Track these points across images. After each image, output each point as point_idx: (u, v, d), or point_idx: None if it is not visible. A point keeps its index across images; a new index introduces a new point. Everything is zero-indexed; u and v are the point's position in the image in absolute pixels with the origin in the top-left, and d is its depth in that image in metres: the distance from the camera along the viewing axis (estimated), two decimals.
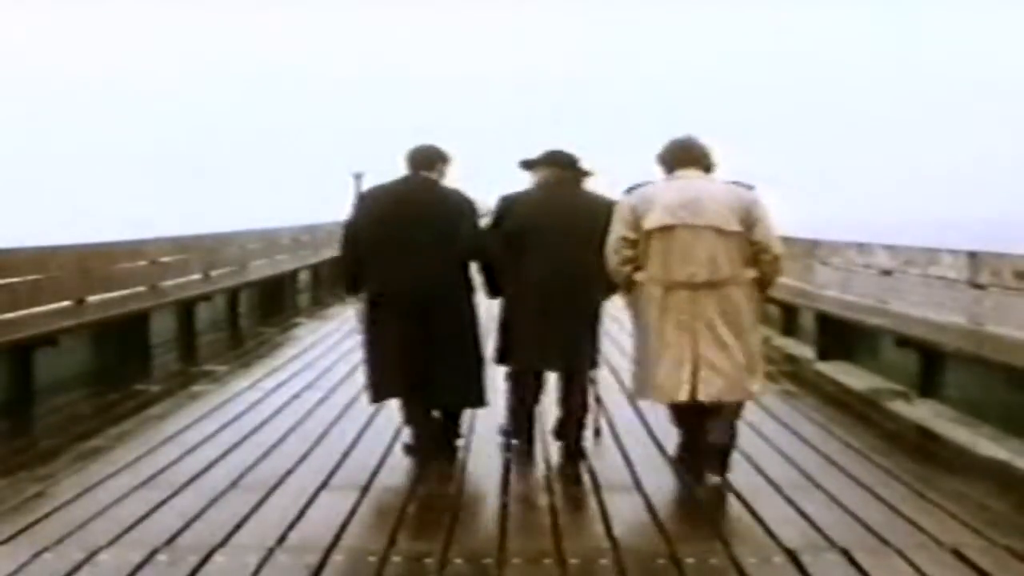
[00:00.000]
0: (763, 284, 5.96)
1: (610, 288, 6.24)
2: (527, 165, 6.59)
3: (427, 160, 6.50)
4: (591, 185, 6.61)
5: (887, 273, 10.26)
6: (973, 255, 8.72)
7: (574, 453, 6.36)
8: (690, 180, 5.93)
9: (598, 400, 6.65)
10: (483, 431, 7.33)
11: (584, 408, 6.42)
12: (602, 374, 6.96)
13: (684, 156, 5.98)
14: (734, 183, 6.00)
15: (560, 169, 6.47)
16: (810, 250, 12.55)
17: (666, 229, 5.79)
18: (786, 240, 13.65)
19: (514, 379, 6.52)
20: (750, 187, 6.00)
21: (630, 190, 6.05)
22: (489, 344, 6.62)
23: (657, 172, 6.11)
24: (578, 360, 6.34)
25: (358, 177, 35.15)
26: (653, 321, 5.85)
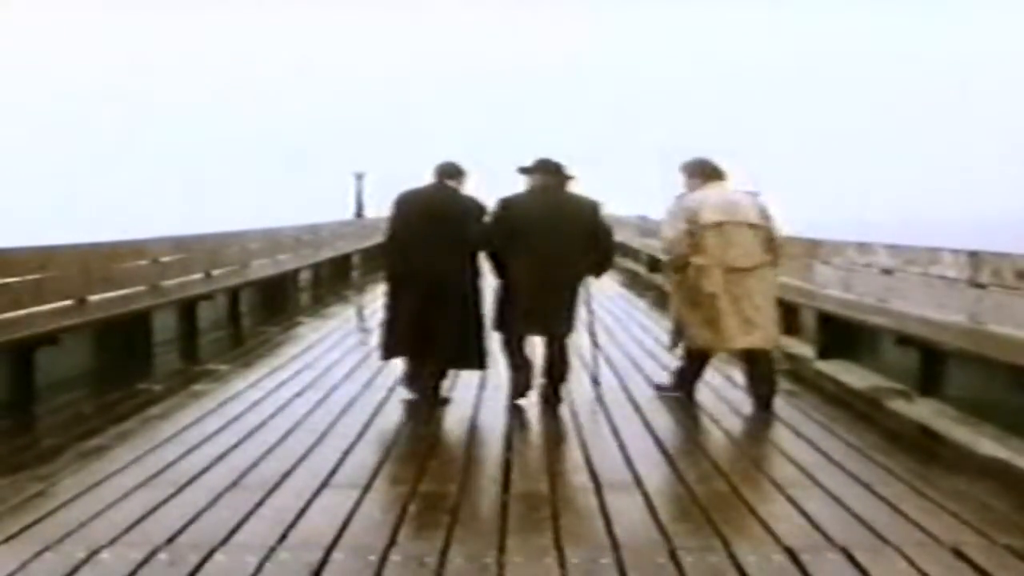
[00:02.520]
0: (774, 263, 7.99)
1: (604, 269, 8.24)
2: (524, 171, 8.04)
3: (447, 172, 8.15)
4: (574, 187, 8.08)
5: (888, 272, 10.26)
6: (974, 254, 8.72)
7: (556, 391, 7.97)
8: (723, 188, 7.95)
9: (596, 344, 8.70)
10: (484, 430, 7.35)
11: (563, 361, 7.95)
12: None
13: (713, 172, 8.01)
14: (748, 191, 8.01)
15: (548, 175, 7.95)
16: (811, 249, 12.55)
17: (718, 224, 7.70)
18: (785, 240, 13.71)
19: (507, 346, 7.98)
20: (757, 193, 8.04)
21: (681, 197, 7.97)
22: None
23: (680, 181, 8.06)
24: (558, 326, 7.90)
25: (359, 177, 35.28)
26: (716, 290, 7.73)
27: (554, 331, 7.95)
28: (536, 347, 8.30)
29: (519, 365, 7.98)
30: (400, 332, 8.01)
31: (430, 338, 7.87)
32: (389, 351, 8.21)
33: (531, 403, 7.96)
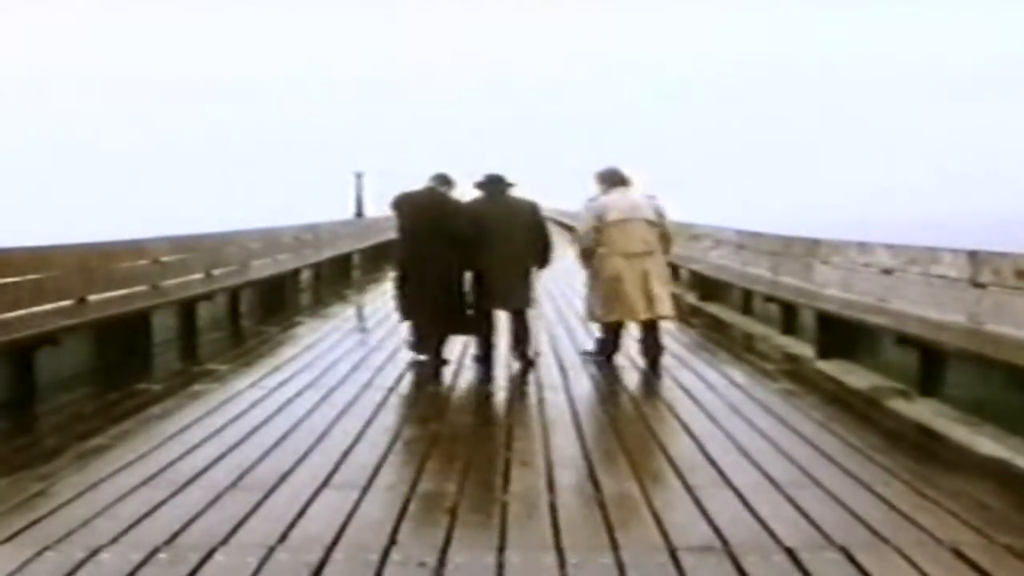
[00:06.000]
0: (665, 252, 10.24)
1: (545, 259, 10.15)
2: (478, 186, 10.09)
3: (440, 181, 10.15)
4: (516, 192, 10.19)
5: (888, 272, 10.26)
6: (973, 254, 8.72)
7: (523, 356, 10.00)
8: (625, 193, 10.07)
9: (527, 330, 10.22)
10: (483, 430, 7.36)
11: (525, 332, 10.05)
12: None
13: (618, 179, 10.17)
14: (646, 195, 10.17)
15: (494, 184, 10.06)
16: (811, 249, 12.55)
17: (621, 221, 9.88)
18: (786, 240, 13.71)
19: (480, 316, 9.94)
20: (654, 196, 10.22)
21: (593, 199, 10.12)
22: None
23: (593, 186, 10.21)
24: (519, 302, 10.01)
25: (359, 176, 35.32)
26: (619, 273, 9.83)
27: (517, 306, 10.00)
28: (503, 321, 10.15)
29: (487, 332, 9.98)
30: (412, 305, 10.04)
31: (436, 312, 9.84)
32: (407, 316, 10.21)
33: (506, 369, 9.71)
